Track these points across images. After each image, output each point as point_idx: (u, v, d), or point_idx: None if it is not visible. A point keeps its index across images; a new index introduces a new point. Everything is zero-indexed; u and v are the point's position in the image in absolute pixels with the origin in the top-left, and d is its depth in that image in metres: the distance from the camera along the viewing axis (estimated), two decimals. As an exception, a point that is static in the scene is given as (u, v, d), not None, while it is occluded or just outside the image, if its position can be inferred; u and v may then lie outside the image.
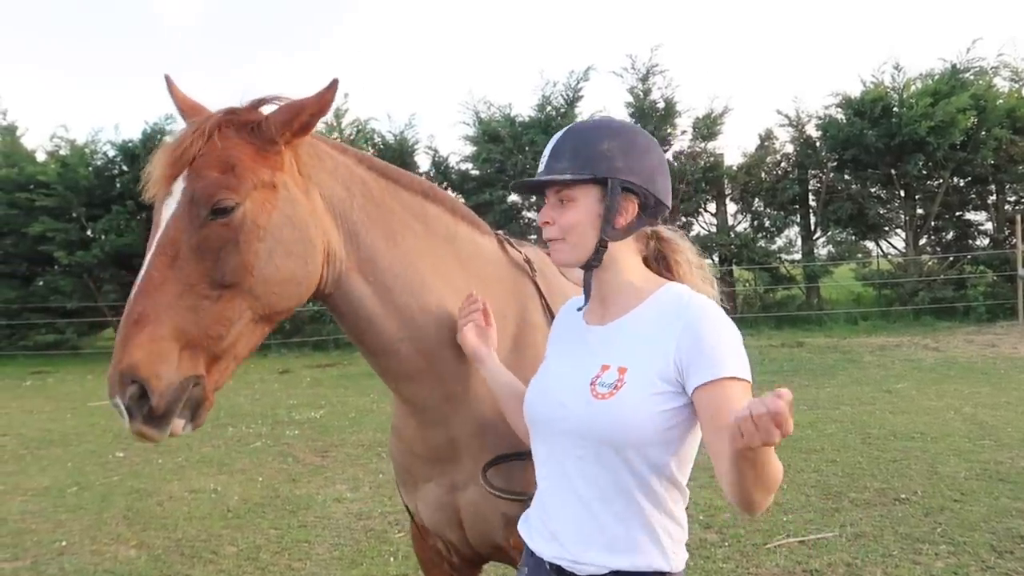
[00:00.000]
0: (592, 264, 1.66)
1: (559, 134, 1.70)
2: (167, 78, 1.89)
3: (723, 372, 1.48)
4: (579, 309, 1.79)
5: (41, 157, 18.18)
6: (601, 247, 1.64)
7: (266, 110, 1.81)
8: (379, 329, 1.91)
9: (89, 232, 17.02)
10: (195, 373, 1.61)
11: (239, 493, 6.07)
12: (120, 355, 1.53)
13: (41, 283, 17.80)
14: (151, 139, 17.10)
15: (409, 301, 1.92)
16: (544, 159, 1.68)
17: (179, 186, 1.68)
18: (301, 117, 1.75)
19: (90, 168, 17.33)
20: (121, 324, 1.58)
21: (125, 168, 17.49)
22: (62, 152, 17.77)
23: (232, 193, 1.65)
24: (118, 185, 17.27)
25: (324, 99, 1.75)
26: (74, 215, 16.91)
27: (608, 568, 1.58)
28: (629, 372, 1.56)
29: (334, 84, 1.77)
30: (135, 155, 17.09)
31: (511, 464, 2.00)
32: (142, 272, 1.62)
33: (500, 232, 2.26)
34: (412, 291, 1.92)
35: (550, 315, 2.11)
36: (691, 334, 1.53)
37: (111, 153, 17.80)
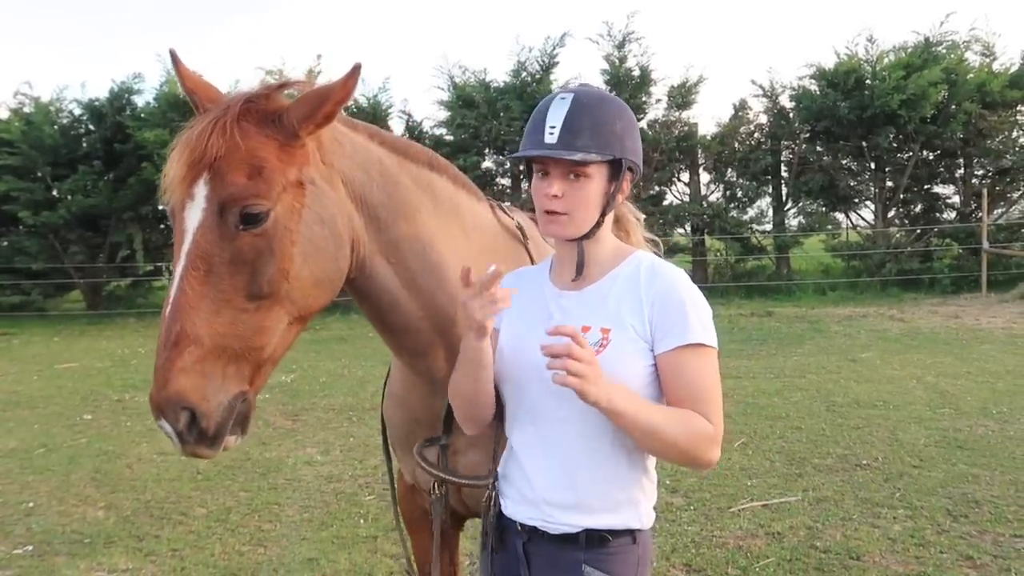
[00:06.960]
0: (588, 237, 1.67)
1: (567, 105, 1.61)
2: (172, 53, 1.74)
3: (686, 339, 1.57)
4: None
5: (3, 114, 17.68)
6: (599, 223, 1.66)
7: (289, 95, 1.69)
8: (403, 310, 1.90)
9: (55, 192, 16.63)
10: (241, 390, 1.58)
11: (209, 456, 6.06)
12: (164, 380, 1.49)
13: (5, 244, 17.41)
14: (118, 98, 16.79)
15: (429, 280, 1.90)
16: (555, 130, 1.59)
17: (201, 191, 1.57)
18: (324, 108, 1.63)
19: (55, 127, 16.92)
20: (160, 345, 1.52)
21: (92, 127, 17.13)
22: (26, 109, 17.26)
23: (262, 200, 1.56)
24: (84, 144, 16.90)
25: (348, 86, 1.64)
26: (39, 174, 16.49)
27: (582, 527, 1.62)
28: (613, 331, 1.61)
29: (357, 69, 1.66)
30: (102, 114, 16.75)
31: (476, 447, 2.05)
32: (174, 288, 1.54)
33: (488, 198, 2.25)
34: (430, 270, 1.91)
35: None
36: (662, 300, 1.60)
37: (77, 112, 17.40)
